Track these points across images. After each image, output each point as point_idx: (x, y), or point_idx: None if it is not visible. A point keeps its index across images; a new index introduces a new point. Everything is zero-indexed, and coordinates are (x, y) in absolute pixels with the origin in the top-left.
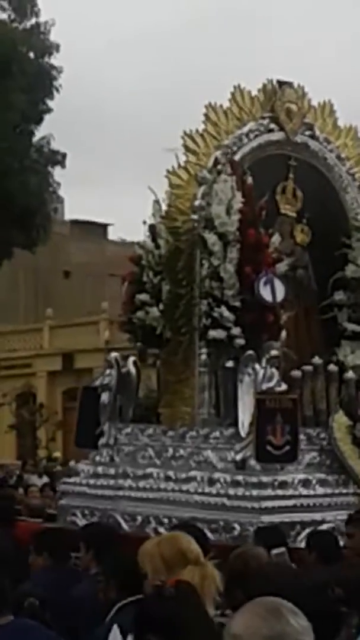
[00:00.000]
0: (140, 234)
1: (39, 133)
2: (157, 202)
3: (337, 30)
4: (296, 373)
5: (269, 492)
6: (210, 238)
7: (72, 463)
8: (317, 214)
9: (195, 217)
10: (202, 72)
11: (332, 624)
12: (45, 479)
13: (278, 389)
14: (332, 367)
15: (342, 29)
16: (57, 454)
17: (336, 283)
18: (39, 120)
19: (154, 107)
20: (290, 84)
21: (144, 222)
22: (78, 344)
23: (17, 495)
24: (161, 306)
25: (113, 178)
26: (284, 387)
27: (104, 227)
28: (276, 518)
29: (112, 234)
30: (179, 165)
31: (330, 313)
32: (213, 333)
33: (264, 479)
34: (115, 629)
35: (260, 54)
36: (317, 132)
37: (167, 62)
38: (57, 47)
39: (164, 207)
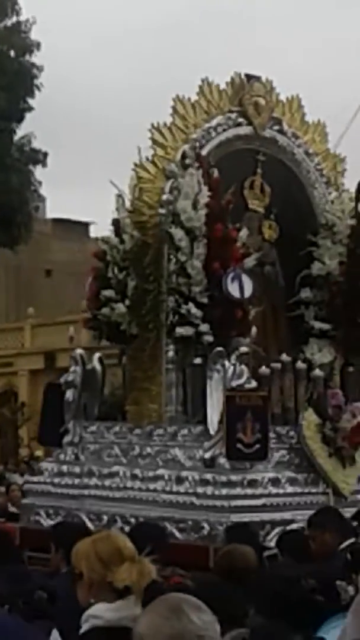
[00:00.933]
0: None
1: (20, 132)
2: (120, 196)
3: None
4: (264, 370)
5: (238, 491)
6: (177, 233)
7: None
8: (285, 210)
9: (162, 211)
10: (186, 71)
11: (310, 613)
12: (26, 478)
13: (248, 386)
14: (300, 365)
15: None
16: (39, 453)
17: (303, 280)
18: (20, 119)
19: (137, 106)
20: (258, 78)
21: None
22: (60, 342)
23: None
24: (127, 302)
25: (95, 177)
26: (253, 384)
27: (85, 225)
28: (246, 517)
29: (94, 233)
30: (147, 159)
31: (298, 310)
32: (180, 330)
33: (233, 477)
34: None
35: (242, 53)
36: (285, 127)
37: (151, 61)
38: (38, 46)
39: (127, 201)
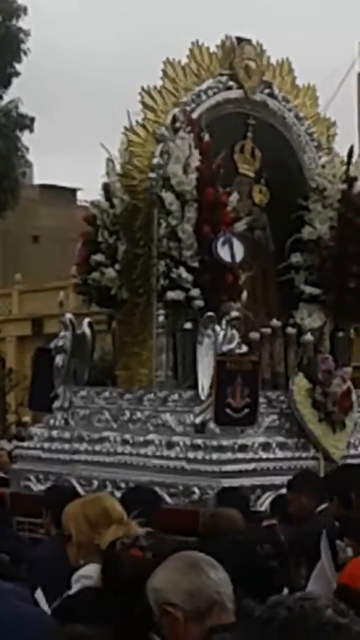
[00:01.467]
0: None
1: (7, 97)
2: (110, 160)
3: None
4: (254, 335)
5: (229, 455)
6: (168, 197)
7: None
8: (275, 174)
9: (153, 175)
10: (176, 33)
11: (262, 577)
12: (15, 444)
13: (238, 351)
14: (290, 330)
15: None
16: (27, 419)
17: (293, 245)
18: (6, 84)
19: (125, 70)
20: (249, 41)
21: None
22: (47, 308)
23: None
24: (117, 267)
25: (82, 142)
26: (244, 349)
27: (73, 191)
28: (236, 482)
29: (82, 199)
30: (137, 123)
31: (288, 275)
32: (171, 294)
33: (224, 442)
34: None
35: (232, 12)
36: (276, 91)
37: (140, 24)
38: (24, 10)
39: (117, 165)
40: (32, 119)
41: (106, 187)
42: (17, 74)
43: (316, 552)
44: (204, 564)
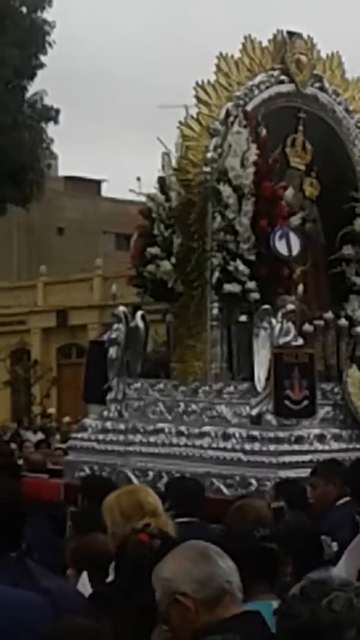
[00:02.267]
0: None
1: (32, 89)
2: (166, 154)
3: None
4: (308, 328)
5: (285, 447)
6: (225, 190)
7: (66, 419)
8: (325, 167)
9: (207, 169)
10: (201, 27)
11: (264, 561)
12: (40, 435)
13: (295, 343)
14: (343, 322)
15: None
16: (52, 410)
17: (344, 237)
18: (32, 76)
19: (150, 63)
20: (300, 35)
21: (138, 179)
22: (72, 300)
23: (16, 452)
24: (173, 259)
25: (107, 134)
26: (300, 341)
27: (97, 183)
28: (293, 473)
29: (106, 191)
30: (191, 117)
31: (339, 267)
32: (228, 287)
33: (281, 434)
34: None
35: (259, 7)
36: (326, 84)
37: (166, 18)
38: (49, 2)
39: (173, 159)
40: (57, 111)
41: (161, 181)
42: (42, 65)
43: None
44: (213, 552)
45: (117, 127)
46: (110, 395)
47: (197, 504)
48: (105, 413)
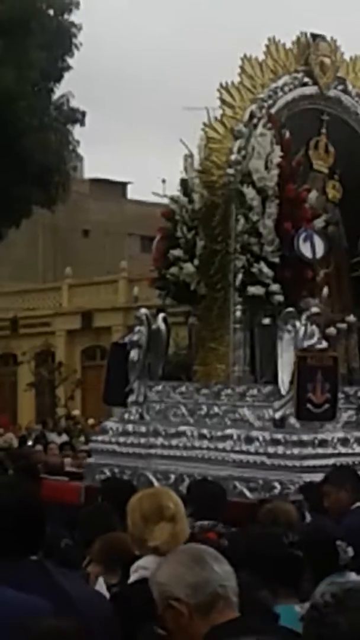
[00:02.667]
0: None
1: (59, 91)
2: (189, 156)
3: None
4: (331, 331)
5: (309, 450)
6: (249, 193)
7: (90, 421)
8: (348, 170)
9: (231, 171)
10: (226, 29)
11: (290, 566)
12: (64, 437)
13: (319, 346)
14: None
15: None
16: (76, 412)
17: None
18: (58, 78)
19: (175, 65)
20: (323, 37)
21: (163, 181)
22: (97, 302)
23: (35, 454)
24: (196, 262)
25: (133, 136)
26: (324, 344)
27: (123, 185)
28: (317, 477)
29: (132, 193)
30: (215, 119)
31: None
32: (252, 289)
33: (305, 437)
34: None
35: (282, 9)
36: (350, 87)
37: (191, 20)
38: (77, 4)
39: (196, 161)
40: (83, 113)
41: (184, 183)
42: (68, 68)
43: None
44: (208, 557)
45: (142, 129)
46: (131, 398)
47: (219, 508)
48: (127, 416)
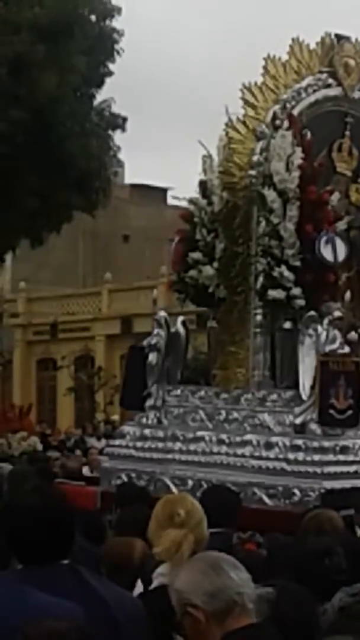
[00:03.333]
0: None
1: (100, 96)
2: (208, 157)
3: None
4: (353, 335)
5: (330, 457)
6: (270, 195)
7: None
8: None
9: (253, 172)
10: (266, 33)
11: (323, 590)
12: (103, 443)
13: (341, 351)
14: None
15: None
16: (115, 417)
17: None
18: (100, 84)
19: (217, 71)
20: (348, 38)
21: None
22: (137, 308)
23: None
24: (215, 265)
25: (173, 142)
26: (346, 349)
27: (163, 191)
28: (338, 484)
29: (172, 199)
30: (237, 119)
31: None
32: (273, 293)
33: (326, 443)
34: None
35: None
36: None
37: (233, 25)
38: (118, 10)
39: (214, 163)
40: (125, 119)
41: (203, 185)
42: (110, 73)
43: None
44: (225, 564)
45: (183, 135)
46: (149, 402)
47: (232, 514)
48: (144, 420)
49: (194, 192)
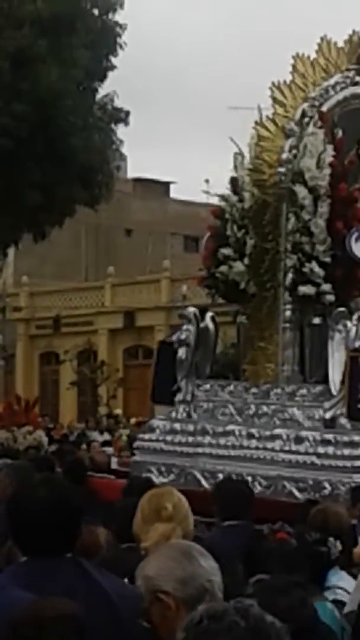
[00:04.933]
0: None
1: (103, 90)
2: (240, 154)
3: None
4: None
5: None
6: (301, 192)
7: (132, 420)
8: None
9: (282, 170)
10: (273, 29)
11: (315, 562)
12: (106, 436)
13: None
14: None
15: None
16: (118, 411)
17: None
18: (102, 78)
19: (220, 65)
20: None
21: (207, 181)
22: (139, 302)
23: (81, 454)
24: (246, 260)
25: (176, 136)
26: None
27: (166, 185)
28: None
29: (174, 193)
30: (267, 117)
31: None
32: (303, 289)
33: (356, 438)
34: None
35: (333, 7)
36: None
37: (238, 19)
38: (121, 4)
39: (246, 159)
40: (127, 113)
41: (234, 181)
42: (112, 67)
43: None
44: (195, 552)
45: (186, 129)
46: (179, 397)
47: (245, 506)
48: (174, 414)
49: (197, 186)
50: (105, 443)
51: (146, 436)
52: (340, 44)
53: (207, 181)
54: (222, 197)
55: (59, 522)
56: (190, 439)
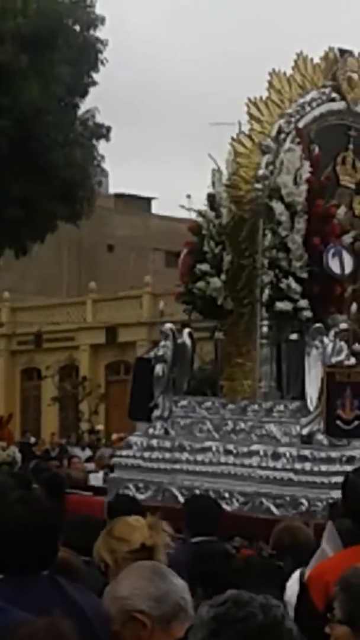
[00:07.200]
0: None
1: (84, 106)
2: (217, 170)
3: None
4: (359, 347)
5: (337, 467)
6: (278, 208)
7: (114, 436)
8: None
9: (259, 186)
10: (253, 45)
11: (274, 577)
12: (88, 452)
13: (347, 363)
14: None
15: None
16: (100, 427)
17: None
18: (84, 94)
19: (201, 81)
20: (351, 53)
21: (188, 196)
22: (121, 317)
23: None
24: (223, 277)
25: (158, 151)
26: (352, 361)
27: (148, 200)
28: None
29: (156, 208)
30: (243, 133)
31: None
32: (280, 305)
33: (333, 454)
34: None
35: (309, 24)
36: None
37: (218, 35)
38: (102, 20)
39: (223, 176)
40: (109, 128)
41: (211, 198)
42: (94, 83)
43: None
44: (166, 570)
45: (167, 145)
46: (156, 413)
47: (213, 522)
48: (151, 431)
49: (179, 202)
50: (88, 459)
51: (124, 452)
52: (317, 60)
53: (188, 196)
54: (200, 213)
55: (35, 539)
56: (168, 455)
